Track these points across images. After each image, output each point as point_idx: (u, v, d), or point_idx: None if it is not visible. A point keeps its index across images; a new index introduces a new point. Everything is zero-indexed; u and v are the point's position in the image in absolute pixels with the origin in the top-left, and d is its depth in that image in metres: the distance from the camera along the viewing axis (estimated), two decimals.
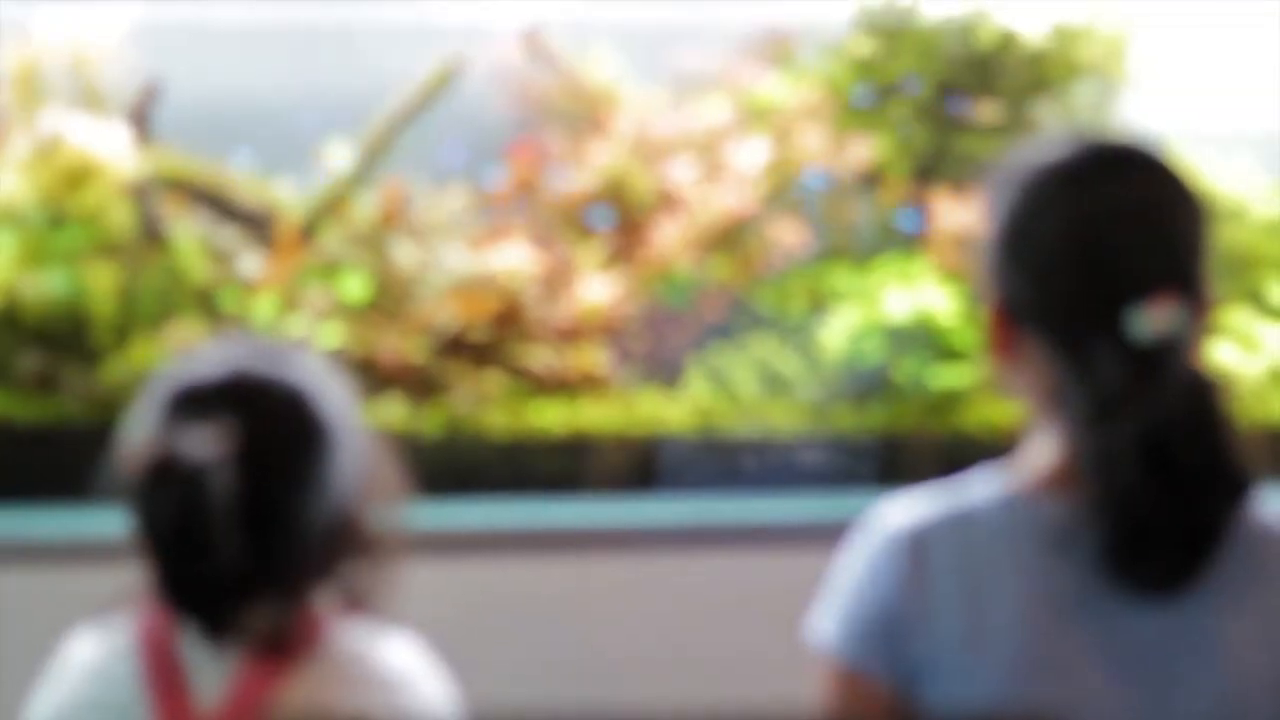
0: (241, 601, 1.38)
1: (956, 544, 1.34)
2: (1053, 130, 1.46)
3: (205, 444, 1.33)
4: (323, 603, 1.47)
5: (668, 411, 2.88)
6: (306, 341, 2.66)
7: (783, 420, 2.89)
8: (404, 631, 1.51)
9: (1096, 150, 1.37)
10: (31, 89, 2.78)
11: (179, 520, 1.32)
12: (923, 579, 1.34)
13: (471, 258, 2.96)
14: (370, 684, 1.43)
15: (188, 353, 1.47)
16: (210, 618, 1.40)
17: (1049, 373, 1.36)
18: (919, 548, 1.35)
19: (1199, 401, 1.27)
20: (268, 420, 1.39)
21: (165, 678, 1.41)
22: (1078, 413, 1.30)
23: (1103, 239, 1.32)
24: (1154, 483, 1.25)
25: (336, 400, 1.46)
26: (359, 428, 1.50)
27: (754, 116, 3.19)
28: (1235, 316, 3.00)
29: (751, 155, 3.07)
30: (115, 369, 2.72)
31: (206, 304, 2.90)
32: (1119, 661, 1.29)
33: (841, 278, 3.06)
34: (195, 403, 1.39)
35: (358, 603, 1.50)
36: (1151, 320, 1.28)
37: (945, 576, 1.33)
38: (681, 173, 3.07)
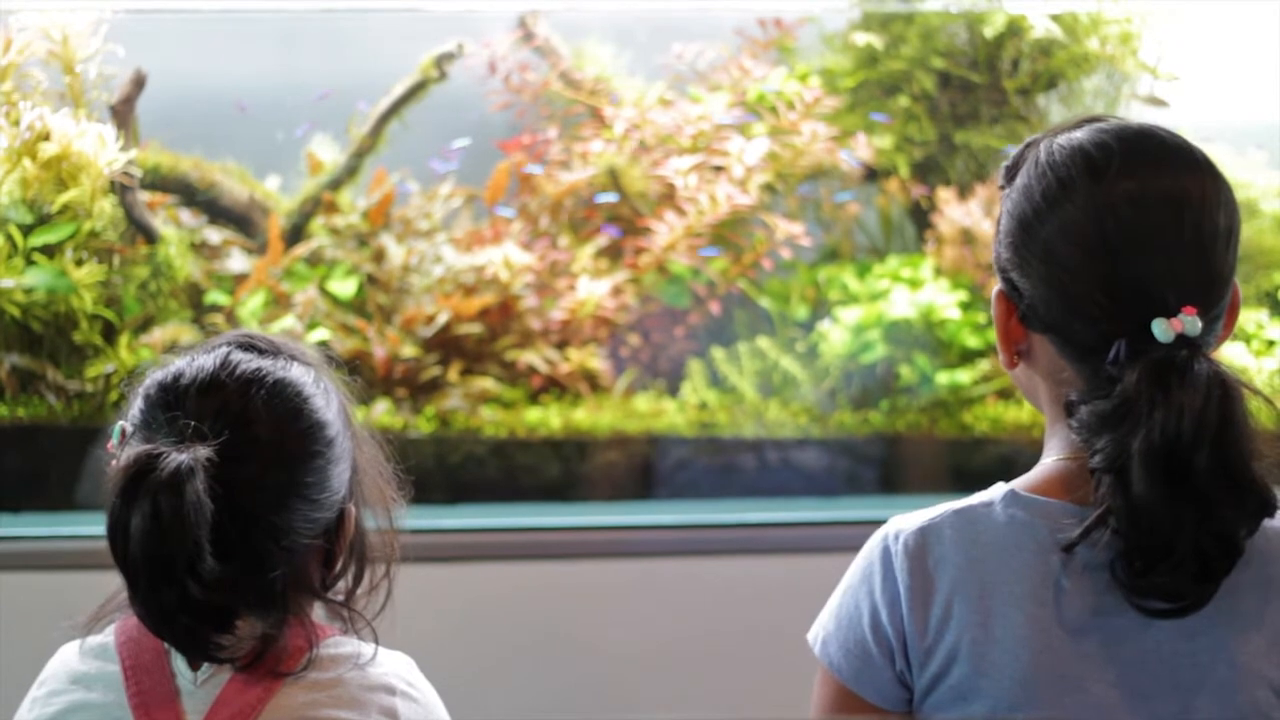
0: (219, 629, 1.32)
1: (962, 545, 1.30)
2: (1073, 116, 1.39)
3: (181, 455, 1.28)
4: (314, 613, 1.43)
5: (666, 412, 2.86)
6: (300, 339, 2.63)
7: (783, 421, 2.87)
8: (396, 642, 1.47)
9: (1121, 139, 1.31)
10: (14, 83, 2.75)
11: (150, 542, 1.26)
12: (926, 587, 1.30)
13: (464, 255, 2.94)
14: (362, 698, 1.39)
15: (174, 351, 1.42)
16: (186, 647, 1.35)
17: (1059, 373, 1.32)
18: (922, 552, 1.31)
19: (1219, 408, 1.21)
20: (254, 424, 1.34)
21: (151, 689, 1.37)
22: (1091, 417, 1.25)
23: (1126, 238, 1.26)
24: (1171, 494, 1.20)
25: (331, 401, 1.42)
26: (354, 429, 1.46)
27: (753, 111, 3.16)
28: (1248, 316, 2.97)
29: (751, 151, 3.04)
30: (100, 368, 2.69)
31: (193, 302, 2.88)
32: (1132, 677, 1.25)
33: (843, 276, 3.03)
34: (177, 405, 1.34)
35: (350, 613, 1.46)
36: (1175, 324, 1.23)
37: (950, 580, 1.29)
38: (679, 169, 3.04)
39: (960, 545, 1.30)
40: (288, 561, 1.36)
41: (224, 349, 1.40)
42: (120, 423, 1.37)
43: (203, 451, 1.28)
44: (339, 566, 1.45)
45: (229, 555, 1.29)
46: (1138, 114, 3.15)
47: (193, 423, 1.31)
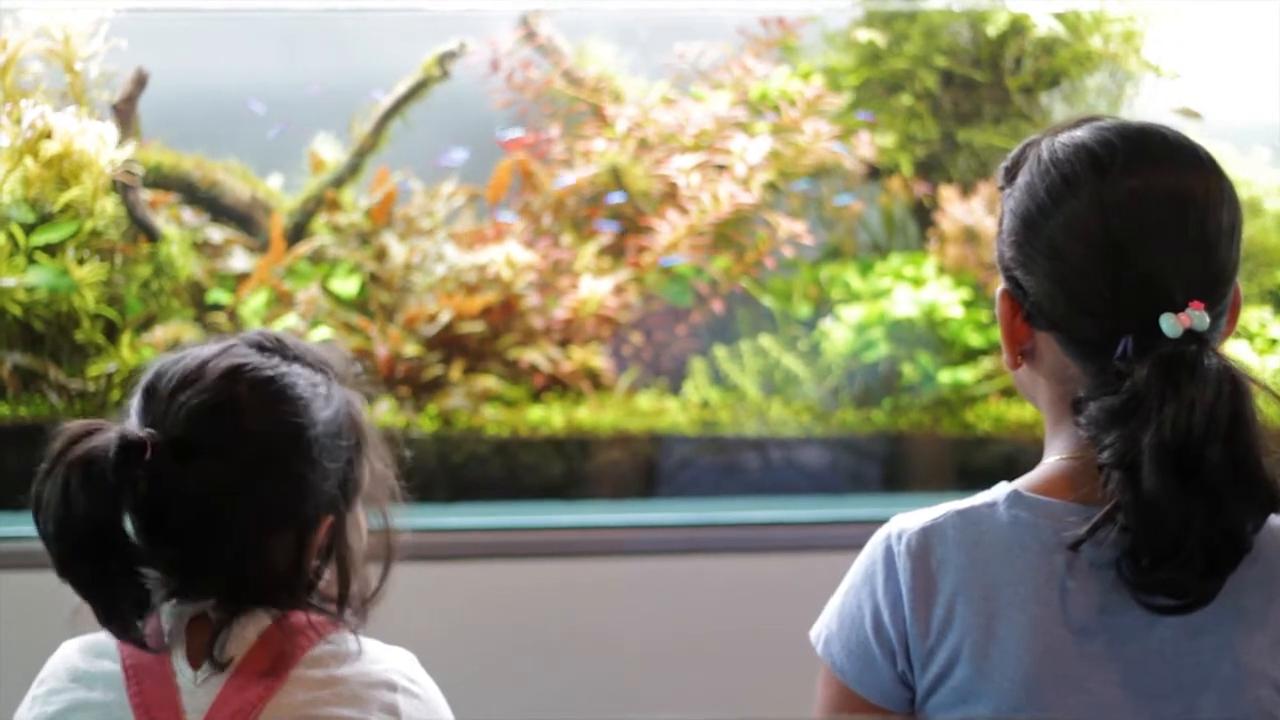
0: (140, 607, 1.33)
1: (965, 545, 1.29)
2: (1071, 116, 1.39)
3: (109, 434, 1.29)
4: (314, 612, 1.42)
5: (668, 411, 2.86)
6: (308, 337, 2.63)
7: (785, 420, 2.87)
8: (397, 641, 1.46)
9: (1124, 136, 1.30)
10: (15, 80, 2.75)
11: (58, 515, 1.28)
12: (928, 588, 1.29)
13: (467, 254, 2.94)
14: (363, 695, 1.38)
15: (179, 347, 1.43)
16: (109, 621, 1.35)
17: (1064, 371, 1.31)
18: (925, 552, 1.30)
19: (1230, 403, 1.21)
20: (225, 416, 1.34)
21: (151, 688, 1.37)
22: (1100, 413, 1.24)
23: (1132, 234, 1.26)
24: (1181, 488, 1.19)
25: (329, 406, 1.41)
26: (365, 440, 1.45)
27: (756, 109, 3.16)
28: (1251, 315, 2.97)
29: (753, 149, 3.04)
30: (102, 367, 2.69)
31: (196, 301, 2.88)
32: (1136, 676, 1.25)
33: (846, 275, 3.03)
34: (159, 391, 1.35)
35: (345, 614, 1.45)
36: (1183, 318, 1.22)
37: (953, 581, 1.29)
38: (682, 168, 3.04)
39: (963, 546, 1.29)
40: (241, 556, 1.36)
41: (229, 343, 1.40)
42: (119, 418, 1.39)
43: (136, 432, 1.30)
44: (309, 572, 1.43)
45: (173, 538, 1.31)
46: (1139, 112, 3.15)
47: (160, 405, 1.33)
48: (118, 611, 1.33)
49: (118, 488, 1.28)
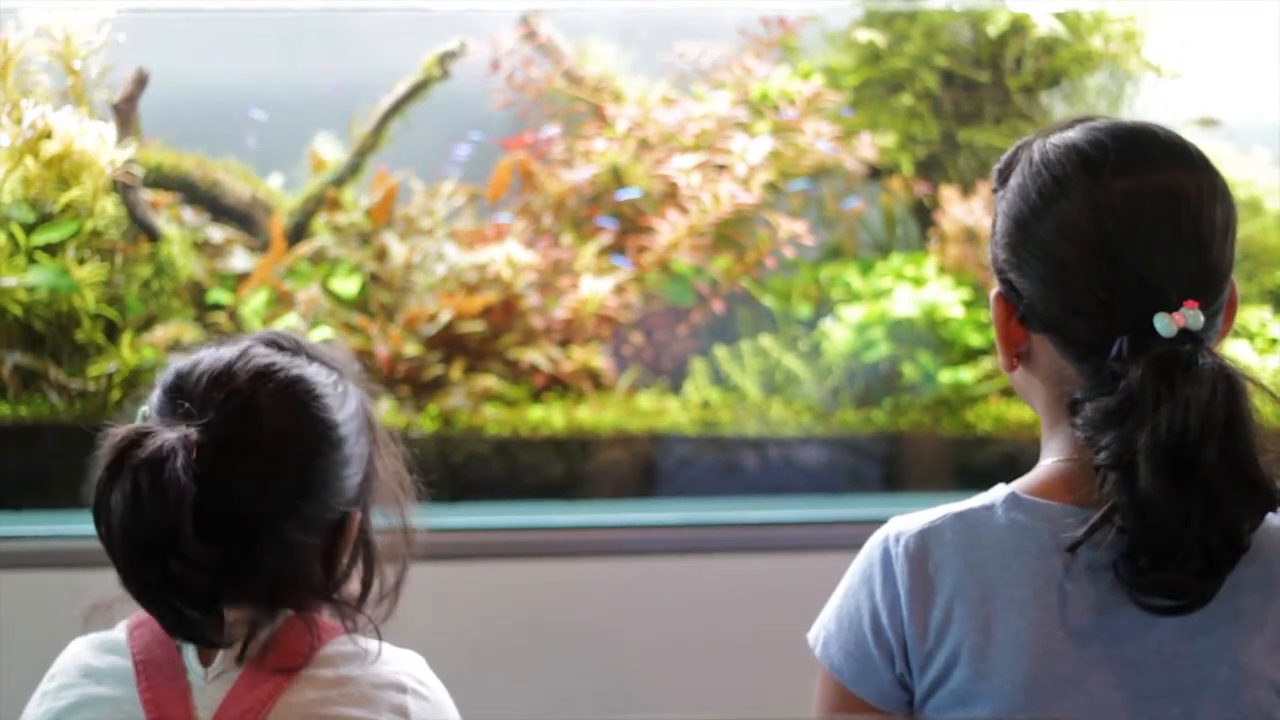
0: (204, 610, 1.33)
1: (962, 548, 1.29)
2: (1061, 119, 1.39)
3: (168, 434, 1.29)
4: (325, 610, 1.43)
5: (669, 411, 2.85)
6: (309, 337, 2.63)
7: (786, 420, 2.87)
8: (398, 640, 1.47)
9: (1115, 136, 1.30)
10: (15, 80, 2.74)
11: (127, 518, 1.28)
12: (926, 591, 1.29)
13: (467, 253, 2.94)
14: (372, 695, 1.39)
15: (186, 348, 1.43)
16: (172, 625, 1.35)
17: (1060, 373, 1.31)
18: (923, 555, 1.30)
19: (1225, 402, 1.20)
20: (257, 415, 1.35)
21: (162, 684, 1.37)
22: (1095, 414, 1.24)
23: (1125, 234, 1.26)
24: (1177, 489, 1.19)
25: (347, 405, 1.42)
26: (378, 438, 1.46)
27: (756, 110, 3.16)
28: (1251, 315, 2.96)
29: (754, 149, 3.04)
30: (103, 367, 2.69)
31: (196, 300, 2.88)
32: (1134, 678, 1.25)
33: (846, 274, 3.03)
34: (187, 392, 1.35)
35: (358, 612, 1.46)
36: (1178, 318, 1.22)
37: (950, 584, 1.29)
38: (682, 167, 3.04)
39: (960, 549, 1.29)
40: (281, 555, 1.36)
41: (246, 343, 1.41)
42: (143, 408, 1.39)
43: (191, 433, 1.30)
44: (339, 570, 1.45)
45: (217, 539, 1.30)
46: (1139, 111, 3.15)
47: (193, 406, 1.33)
48: (184, 616, 1.32)
49: (186, 489, 1.28)
